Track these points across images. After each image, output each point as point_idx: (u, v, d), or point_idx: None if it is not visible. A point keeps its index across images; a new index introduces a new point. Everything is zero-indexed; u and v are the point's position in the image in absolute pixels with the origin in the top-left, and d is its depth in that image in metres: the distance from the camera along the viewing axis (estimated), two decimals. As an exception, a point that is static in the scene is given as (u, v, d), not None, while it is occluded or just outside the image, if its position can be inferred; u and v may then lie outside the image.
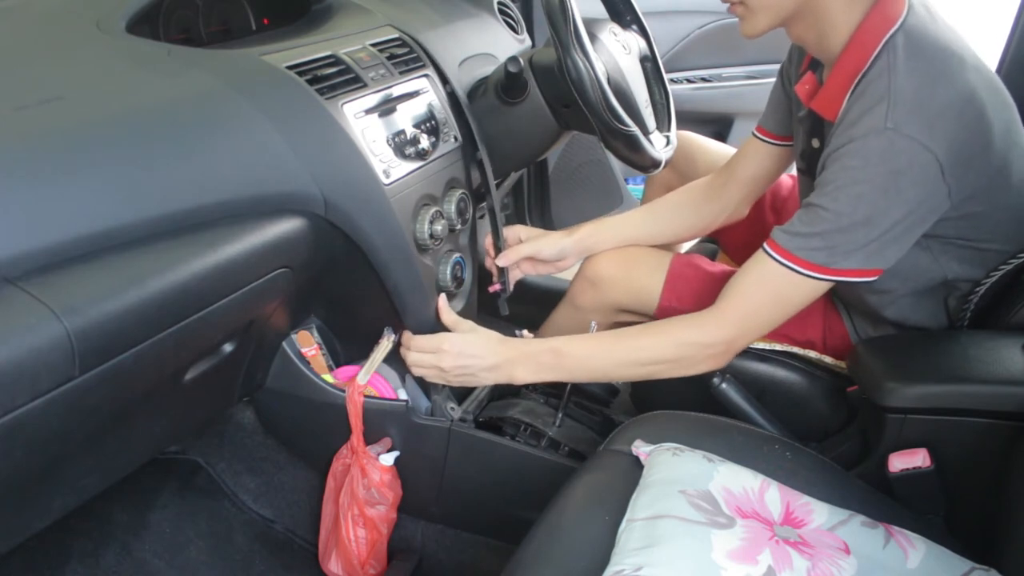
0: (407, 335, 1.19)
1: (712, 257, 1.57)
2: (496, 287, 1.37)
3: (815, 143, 1.15)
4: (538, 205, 2.20)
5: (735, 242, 1.56)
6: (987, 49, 1.12)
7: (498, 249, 1.35)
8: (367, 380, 1.20)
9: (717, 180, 1.40)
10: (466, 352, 1.15)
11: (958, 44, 1.01)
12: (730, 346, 1.09)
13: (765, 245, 1.05)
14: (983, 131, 0.99)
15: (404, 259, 1.16)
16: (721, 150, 1.60)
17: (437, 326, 1.22)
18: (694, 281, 1.33)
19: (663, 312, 1.34)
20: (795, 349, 1.29)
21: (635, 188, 2.45)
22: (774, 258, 1.03)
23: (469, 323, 1.21)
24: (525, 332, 1.86)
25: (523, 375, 1.15)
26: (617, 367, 1.14)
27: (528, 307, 2.00)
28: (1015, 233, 1.09)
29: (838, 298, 1.29)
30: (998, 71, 1.49)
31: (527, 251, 1.36)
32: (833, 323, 1.28)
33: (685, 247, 1.71)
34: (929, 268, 1.11)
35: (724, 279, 1.32)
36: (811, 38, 1.07)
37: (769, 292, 1.06)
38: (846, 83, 1.02)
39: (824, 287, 1.04)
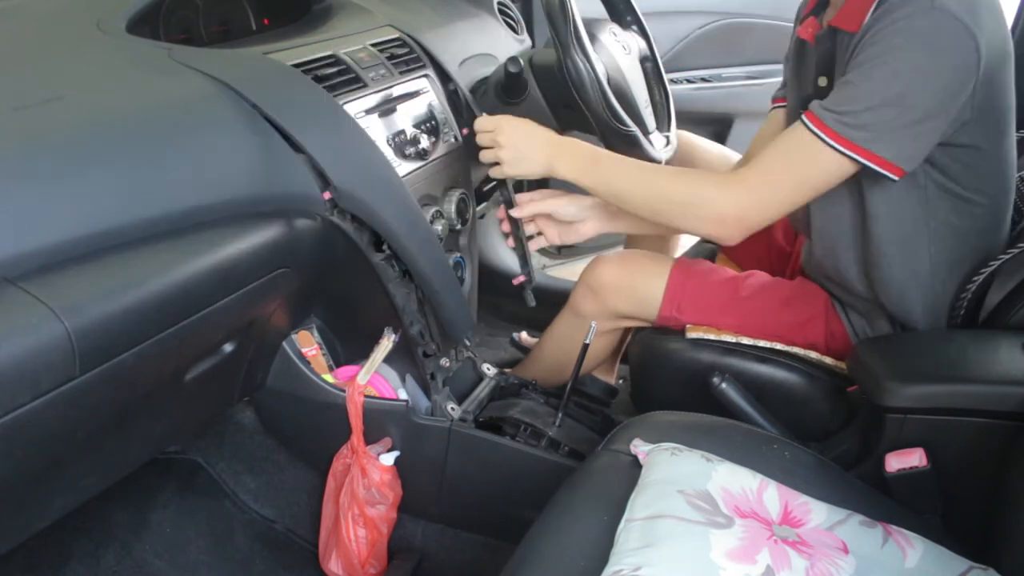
0: (478, 120, 1.23)
1: (712, 257, 1.56)
2: (521, 278, 1.35)
3: (823, 82, 1.14)
4: (538, 205, 2.19)
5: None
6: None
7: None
8: (367, 380, 1.20)
9: (746, 162, 1.34)
10: (521, 131, 1.19)
11: None
12: (741, 215, 1.08)
13: (803, 116, 1.04)
14: (1007, 47, 1.02)
15: (428, 241, 1.17)
16: (718, 151, 1.60)
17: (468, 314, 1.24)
18: (695, 290, 1.32)
19: (663, 321, 1.34)
20: (796, 350, 1.29)
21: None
22: (808, 126, 1.02)
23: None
24: (523, 335, 1.86)
25: (563, 169, 1.18)
26: (636, 187, 1.15)
27: (530, 307, 2.01)
28: (997, 188, 1.13)
29: (836, 299, 1.29)
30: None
31: (545, 207, 1.30)
32: (834, 326, 1.28)
33: (685, 248, 1.71)
34: (916, 215, 1.12)
35: (726, 286, 1.32)
36: None
37: (794, 162, 1.05)
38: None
39: (845, 171, 1.03)
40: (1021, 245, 1.11)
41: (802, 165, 1.05)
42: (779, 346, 1.29)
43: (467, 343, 1.40)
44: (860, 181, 1.10)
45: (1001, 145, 1.10)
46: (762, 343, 1.29)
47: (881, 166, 1.01)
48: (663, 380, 1.36)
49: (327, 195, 1.03)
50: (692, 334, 1.31)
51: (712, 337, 1.30)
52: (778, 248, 1.50)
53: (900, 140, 1.00)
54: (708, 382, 1.20)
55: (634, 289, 1.36)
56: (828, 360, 1.28)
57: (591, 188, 1.20)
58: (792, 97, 1.27)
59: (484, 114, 1.24)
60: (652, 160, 1.35)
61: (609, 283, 1.37)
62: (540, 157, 1.18)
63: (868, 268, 1.18)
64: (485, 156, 1.22)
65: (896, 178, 1.03)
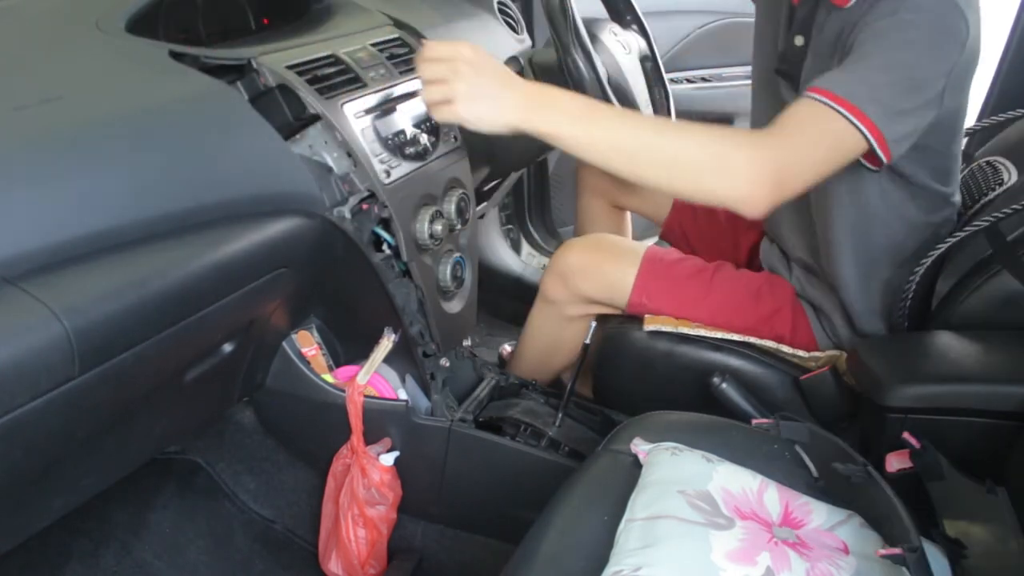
0: (426, 43, 0.96)
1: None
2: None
3: (799, 40, 1.13)
4: (538, 205, 2.20)
5: (695, 237, 1.55)
6: (987, 49, 1.14)
7: None
8: (367, 380, 1.20)
9: None
10: (488, 67, 0.93)
11: None
12: (778, 174, 0.92)
13: (811, 93, 0.94)
14: (977, 54, 1.03)
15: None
16: None
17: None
18: (666, 280, 1.32)
19: (633, 308, 1.33)
20: (753, 339, 1.29)
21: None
22: (827, 103, 0.93)
23: None
24: (506, 347, 1.86)
25: (545, 121, 0.93)
26: (646, 144, 0.94)
27: (528, 306, 2.00)
28: (941, 180, 1.14)
29: (804, 298, 1.30)
30: (998, 71, 1.49)
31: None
32: (799, 319, 1.30)
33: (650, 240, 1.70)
34: (873, 203, 1.13)
35: (697, 277, 1.32)
36: None
37: (818, 131, 0.94)
38: None
39: (858, 148, 0.95)
40: (959, 234, 1.12)
41: (825, 136, 0.95)
42: (736, 336, 1.29)
43: (467, 343, 1.40)
44: None
45: (949, 146, 1.12)
46: (720, 334, 1.29)
47: (879, 143, 0.95)
48: (662, 380, 1.36)
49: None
50: (650, 326, 1.30)
51: (668, 329, 1.30)
52: (747, 247, 1.50)
53: (897, 122, 0.96)
54: (707, 381, 1.20)
55: (604, 274, 1.34)
56: (786, 348, 1.28)
57: (579, 146, 0.95)
58: (762, 49, 1.24)
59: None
60: None
61: (577, 266, 1.36)
62: (511, 101, 0.93)
63: (821, 247, 1.20)
64: (431, 93, 0.94)
65: (875, 169, 1.03)
